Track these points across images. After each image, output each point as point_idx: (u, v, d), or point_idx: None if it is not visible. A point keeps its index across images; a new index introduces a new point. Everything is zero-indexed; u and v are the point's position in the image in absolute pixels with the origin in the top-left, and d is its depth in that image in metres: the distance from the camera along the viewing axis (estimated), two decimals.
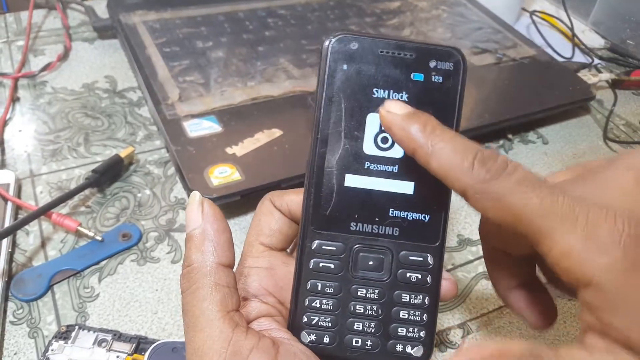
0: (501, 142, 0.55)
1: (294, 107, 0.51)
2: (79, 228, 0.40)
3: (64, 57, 0.59)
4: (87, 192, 0.44)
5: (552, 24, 0.76)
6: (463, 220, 0.46)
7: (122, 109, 0.53)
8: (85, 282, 0.38)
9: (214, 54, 0.56)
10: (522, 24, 0.75)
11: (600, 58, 0.71)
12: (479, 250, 0.44)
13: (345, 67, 0.23)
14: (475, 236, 0.45)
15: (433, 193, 0.23)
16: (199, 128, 0.46)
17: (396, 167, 0.23)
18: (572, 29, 0.72)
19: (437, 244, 0.23)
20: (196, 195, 0.22)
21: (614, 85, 0.65)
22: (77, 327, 0.35)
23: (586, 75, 0.62)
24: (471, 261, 0.43)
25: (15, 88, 0.54)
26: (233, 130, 0.47)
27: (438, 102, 0.22)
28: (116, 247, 0.40)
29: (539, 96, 0.57)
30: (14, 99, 0.53)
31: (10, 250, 0.39)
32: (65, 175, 0.46)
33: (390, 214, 0.23)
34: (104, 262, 0.40)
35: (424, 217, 0.23)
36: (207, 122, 0.47)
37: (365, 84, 0.23)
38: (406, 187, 0.23)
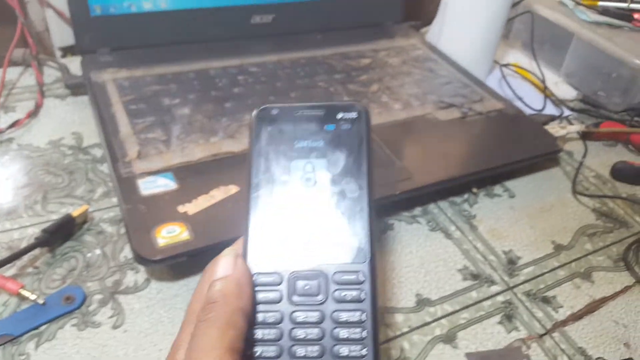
0: (465, 196, 0.54)
1: None
2: (21, 291, 0.39)
3: (33, 113, 0.59)
4: (37, 252, 0.43)
5: (525, 77, 0.77)
6: (422, 279, 0.45)
7: (84, 165, 0.53)
8: (22, 349, 0.37)
9: (179, 110, 0.57)
10: (495, 77, 0.76)
11: (572, 109, 0.71)
12: (437, 311, 0.42)
13: (269, 128, 0.28)
14: (435, 296, 0.44)
15: (354, 219, 0.26)
16: (153, 186, 0.46)
17: (321, 201, 0.26)
18: (543, 81, 0.73)
19: (367, 261, 0.25)
20: (232, 250, 0.26)
21: (584, 136, 0.65)
22: None
23: (554, 128, 0.62)
24: (428, 323, 0.41)
25: None
26: (188, 187, 0.46)
27: (350, 144, 0.27)
28: (58, 310, 0.39)
29: (504, 149, 0.56)
30: None
31: None
32: (17, 234, 0.45)
33: (319, 243, 0.26)
34: (44, 327, 0.38)
35: (350, 240, 0.26)
36: (163, 179, 0.47)
37: (288, 137, 0.28)
38: (331, 217, 0.26)
